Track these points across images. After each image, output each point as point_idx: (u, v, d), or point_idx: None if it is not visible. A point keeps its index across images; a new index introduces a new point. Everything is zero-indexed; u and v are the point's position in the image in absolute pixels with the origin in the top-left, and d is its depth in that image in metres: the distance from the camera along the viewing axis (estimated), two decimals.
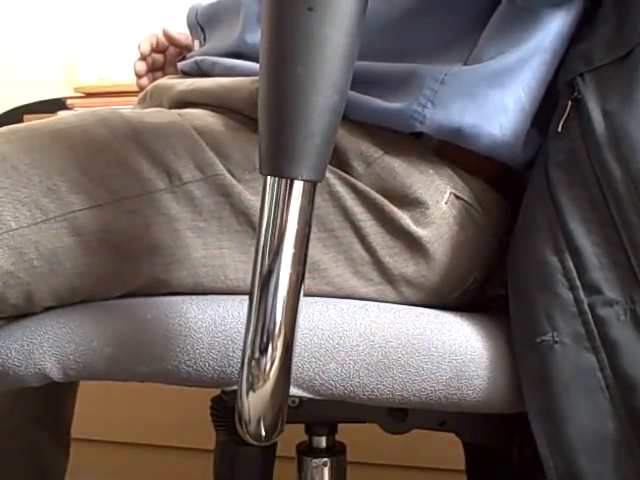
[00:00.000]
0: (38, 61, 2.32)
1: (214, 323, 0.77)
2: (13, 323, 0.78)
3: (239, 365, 0.75)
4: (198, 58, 1.05)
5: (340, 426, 0.97)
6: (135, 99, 1.20)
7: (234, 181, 0.82)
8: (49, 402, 1.20)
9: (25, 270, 0.74)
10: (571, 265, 0.80)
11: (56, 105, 1.93)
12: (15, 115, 1.90)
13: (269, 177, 0.62)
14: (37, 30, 2.34)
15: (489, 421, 0.91)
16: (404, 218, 0.86)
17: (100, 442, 2.00)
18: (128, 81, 1.96)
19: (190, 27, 1.16)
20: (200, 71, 1.05)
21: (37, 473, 1.21)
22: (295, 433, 0.88)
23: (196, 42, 1.15)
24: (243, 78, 0.92)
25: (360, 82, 0.84)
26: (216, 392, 0.92)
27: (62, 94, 2.04)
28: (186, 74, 1.11)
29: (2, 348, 0.77)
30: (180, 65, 1.12)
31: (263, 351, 0.65)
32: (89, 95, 2.06)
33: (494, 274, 0.98)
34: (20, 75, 2.31)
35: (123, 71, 2.07)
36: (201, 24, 1.12)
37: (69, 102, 1.96)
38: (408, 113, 0.85)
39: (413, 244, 0.87)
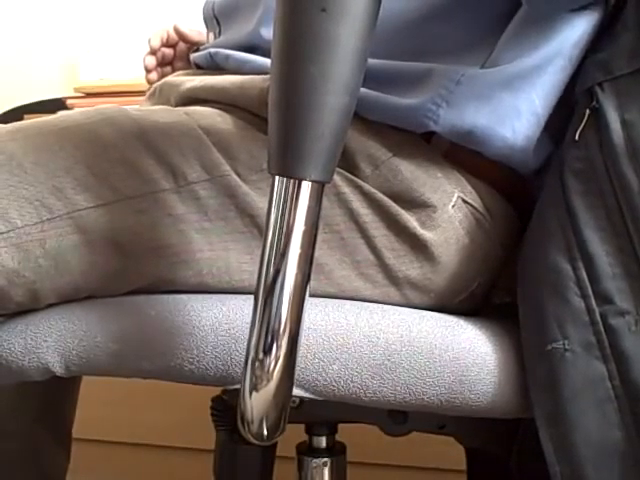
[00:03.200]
0: (38, 61, 2.32)
1: (218, 321, 0.77)
2: (17, 317, 0.78)
3: (242, 364, 0.75)
4: (212, 50, 1.05)
5: (340, 426, 0.97)
6: (135, 99, 1.21)
7: (240, 182, 0.82)
8: (50, 403, 1.20)
9: (30, 268, 0.74)
10: (584, 274, 0.80)
11: (56, 105, 1.93)
12: (15, 115, 1.90)
13: (277, 177, 0.62)
14: (37, 30, 2.34)
15: (489, 426, 0.91)
16: (410, 220, 0.86)
17: (100, 442, 2.00)
18: (128, 81, 1.97)
19: (206, 19, 1.17)
20: (213, 64, 1.05)
21: (38, 473, 1.21)
22: (295, 433, 0.88)
23: (211, 35, 1.15)
24: (254, 76, 0.92)
25: (376, 80, 0.85)
26: (216, 392, 0.92)
27: (62, 94, 2.04)
28: (199, 67, 1.11)
29: (5, 342, 0.76)
30: (193, 57, 1.12)
31: (267, 351, 0.64)
32: (89, 95, 2.06)
33: (500, 281, 0.98)
34: (20, 75, 2.31)
35: (123, 71, 2.07)
36: (217, 16, 1.12)
37: (69, 102, 1.96)
38: (422, 112, 0.86)
39: (418, 246, 0.87)
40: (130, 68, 2.06)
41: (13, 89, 2.21)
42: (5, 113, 1.91)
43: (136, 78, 1.95)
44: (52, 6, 2.34)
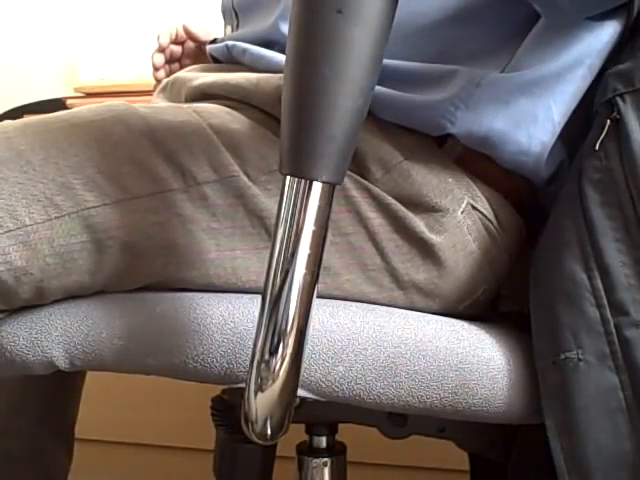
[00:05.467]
0: (38, 61, 2.31)
1: (224, 320, 0.77)
2: (22, 311, 0.78)
3: (246, 363, 0.76)
4: (229, 43, 1.05)
5: (340, 426, 0.98)
6: (136, 99, 1.21)
7: (249, 183, 0.82)
8: (52, 402, 1.21)
9: (38, 266, 0.74)
10: (599, 284, 0.80)
11: (56, 105, 1.92)
12: (15, 115, 1.90)
13: (288, 177, 0.62)
14: (37, 30, 2.33)
15: (488, 430, 0.91)
16: (418, 225, 0.86)
17: (100, 442, 2.00)
18: (128, 81, 1.97)
19: (224, 12, 1.17)
20: (230, 57, 1.05)
21: (40, 473, 1.21)
22: (295, 433, 0.89)
23: (228, 28, 1.15)
24: (271, 74, 0.92)
25: (395, 80, 0.85)
26: (216, 391, 0.93)
27: (62, 94, 2.03)
28: (215, 59, 1.11)
29: (10, 335, 0.77)
30: (209, 48, 1.12)
31: (274, 351, 0.64)
32: (89, 95, 2.05)
33: (505, 289, 0.98)
34: (20, 75, 2.30)
35: (123, 71, 2.07)
36: (236, 9, 1.12)
37: (69, 102, 1.95)
38: (440, 112, 0.86)
39: (425, 251, 0.87)
40: (130, 68, 2.06)
41: (13, 89, 2.21)
42: (5, 113, 1.91)
43: (136, 78, 1.95)
44: (52, 6, 2.33)
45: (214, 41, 1.16)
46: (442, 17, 0.91)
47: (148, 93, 1.62)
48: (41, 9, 2.34)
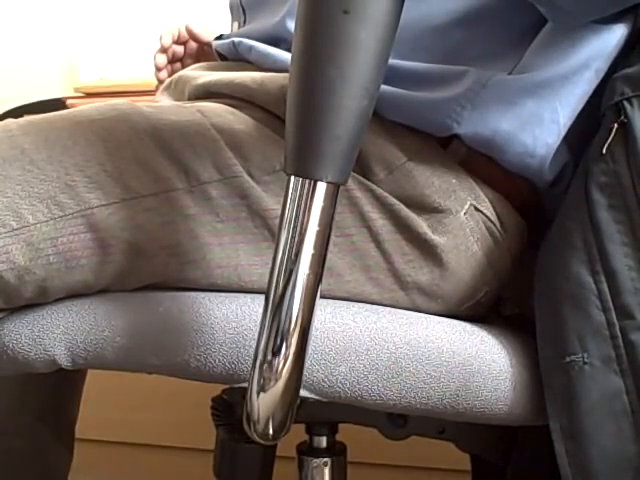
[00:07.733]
0: (38, 61, 2.31)
1: (226, 319, 0.77)
2: (25, 309, 0.78)
3: (249, 362, 0.75)
4: (236, 40, 1.05)
5: (340, 426, 0.98)
6: (136, 99, 1.20)
7: (252, 183, 0.82)
8: (53, 402, 1.20)
9: (41, 266, 0.74)
10: (605, 287, 0.80)
11: (56, 105, 1.92)
12: (15, 115, 1.89)
13: (293, 177, 0.62)
14: (38, 30, 2.33)
15: (488, 432, 0.91)
16: (422, 225, 0.86)
17: (100, 442, 2.00)
18: (128, 81, 1.98)
19: (231, 7, 1.17)
20: (236, 53, 1.05)
21: (40, 473, 1.20)
22: (295, 433, 0.89)
23: (235, 24, 1.15)
24: (276, 74, 0.92)
25: (403, 80, 0.85)
26: (216, 391, 0.93)
27: (62, 94, 2.03)
28: (221, 55, 1.11)
29: (12, 333, 0.76)
30: (215, 44, 1.12)
31: (277, 352, 0.64)
32: (89, 95, 2.05)
33: (508, 292, 0.98)
34: (20, 75, 2.30)
35: (123, 71, 2.07)
36: (244, 5, 1.12)
37: (69, 102, 1.95)
38: (445, 112, 0.86)
39: (428, 251, 0.87)
40: (130, 68, 2.06)
41: (13, 89, 2.21)
42: (5, 113, 1.91)
43: (136, 78, 1.96)
44: (52, 6, 2.33)
45: (220, 37, 1.16)
46: (451, 19, 0.91)
47: (148, 93, 1.62)
48: (41, 9, 2.35)
